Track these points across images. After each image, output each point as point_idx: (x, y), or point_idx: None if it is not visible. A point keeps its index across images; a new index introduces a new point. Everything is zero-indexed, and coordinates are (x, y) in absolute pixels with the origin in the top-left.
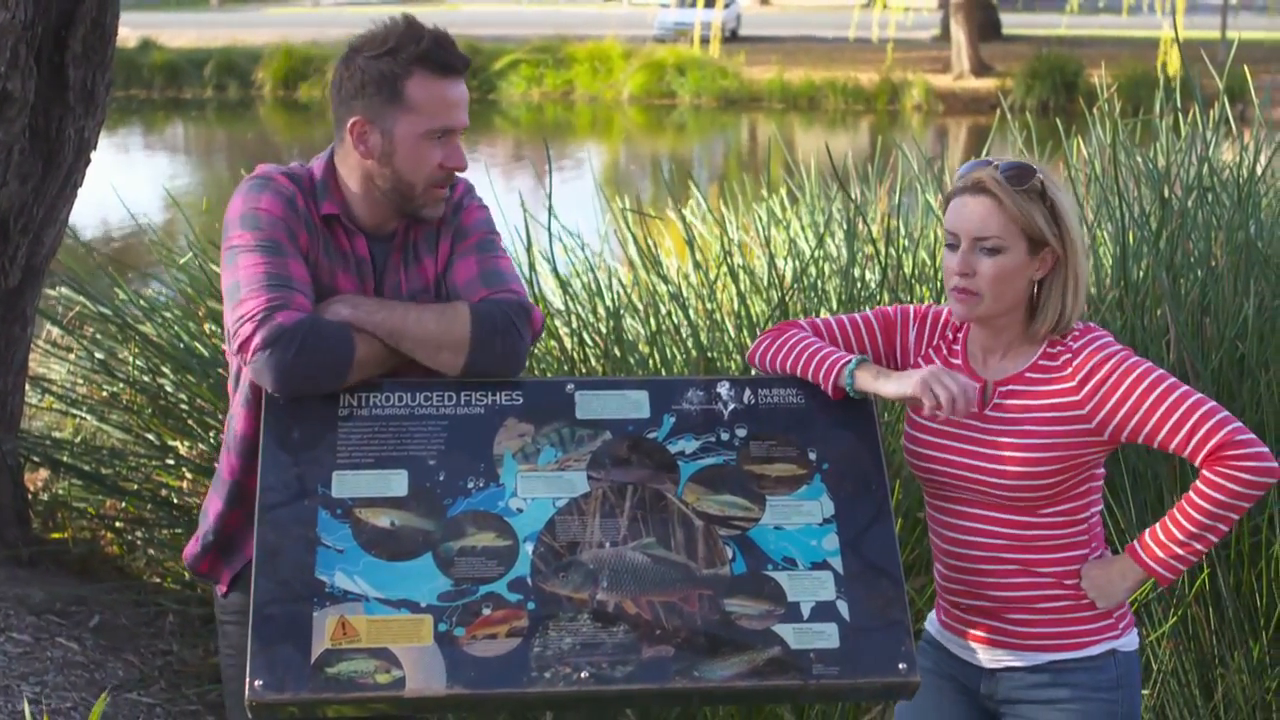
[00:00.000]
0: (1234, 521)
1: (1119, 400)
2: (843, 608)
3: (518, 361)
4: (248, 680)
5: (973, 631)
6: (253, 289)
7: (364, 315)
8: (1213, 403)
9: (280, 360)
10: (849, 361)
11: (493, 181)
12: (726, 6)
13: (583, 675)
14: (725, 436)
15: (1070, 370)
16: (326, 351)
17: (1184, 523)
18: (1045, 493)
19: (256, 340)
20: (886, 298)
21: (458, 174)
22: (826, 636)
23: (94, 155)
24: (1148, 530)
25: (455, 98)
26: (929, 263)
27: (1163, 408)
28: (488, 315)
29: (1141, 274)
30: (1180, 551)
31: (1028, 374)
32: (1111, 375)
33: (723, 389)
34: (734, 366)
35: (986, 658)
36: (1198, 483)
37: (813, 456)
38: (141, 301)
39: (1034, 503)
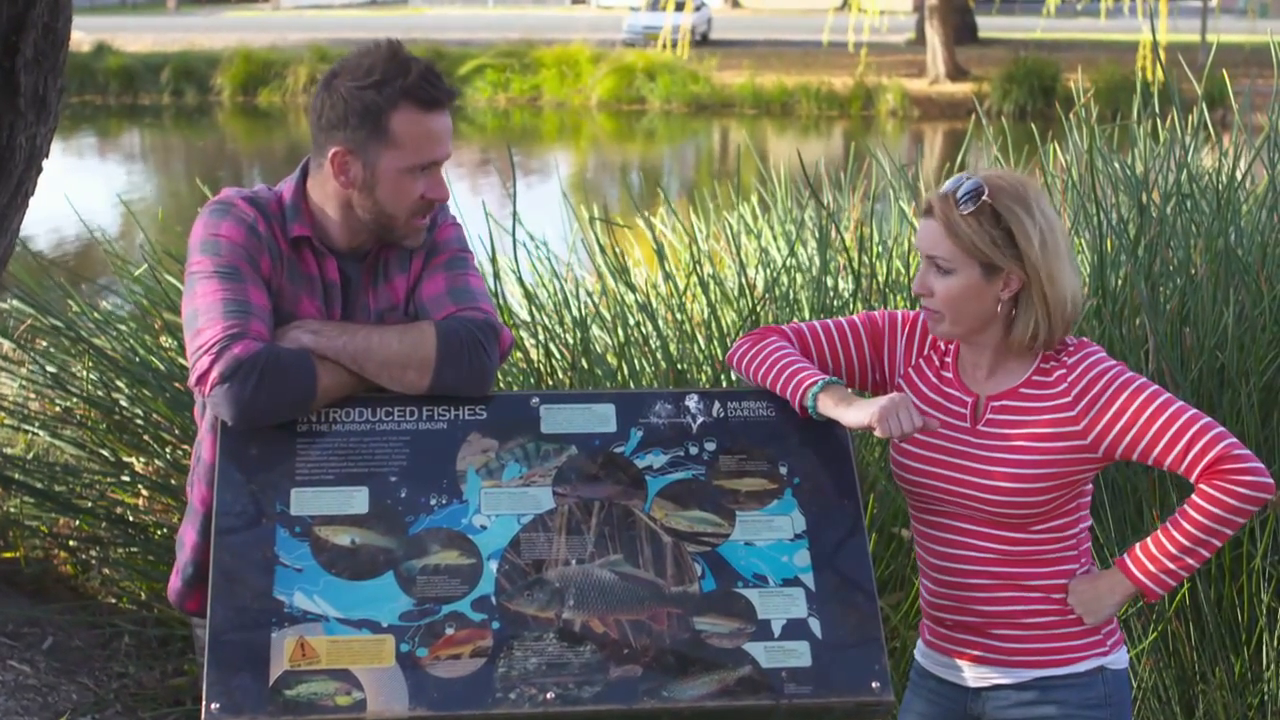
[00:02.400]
0: (1227, 537)
1: (1114, 416)
2: (815, 625)
3: (485, 381)
4: (204, 703)
5: (959, 649)
6: (210, 317)
7: (325, 341)
8: (1208, 418)
9: (239, 395)
10: (814, 383)
11: (454, 192)
12: (697, 9)
13: (549, 696)
14: (694, 451)
15: (1065, 386)
16: (286, 383)
17: (1177, 537)
18: (1038, 509)
19: (214, 375)
20: (860, 307)
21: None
22: (798, 655)
23: (46, 163)
24: (1138, 544)
25: (439, 131)
26: (904, 271)
27: (1158, 423)
28: (454, 333)
29: (1119, 283)
30: (1171, 566)
31: (1021, 390)
32: (1106, 391)
33: (691, 402)
34: (704, 379)
35: (973, 675)
36: (1193, 497)
37: (784, 471)
38: (95, 314)
39: (1026, 519)
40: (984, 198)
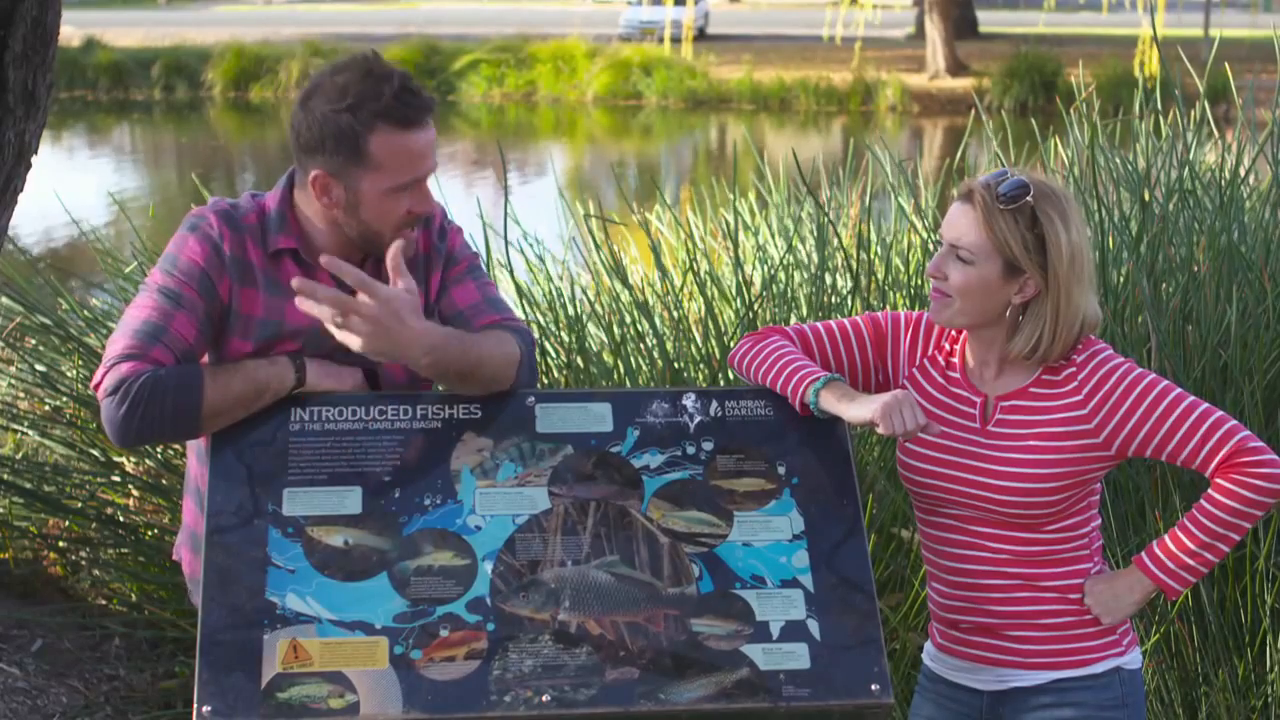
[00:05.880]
0: (1245, 530)
1: (1127, 413)
2: (813, 627)
3: (535, 381)
4: (195, 705)
5: (974, 652)
6: (123, 331)
7: (455, 347)
8: (1221, 412)
9: (112, 413)
10: (816, 379)
11: (449, 188)
12: (695, 3)
13: (544, 699)
14: (691, 450)
15: (1076, 384)
16: (163, 407)
17: (1196, 532)
18: (1050, 509)
19: (100, 389)
20: (858, 305)
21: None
22: (797, 657)
23: (35, 159)
24: (1155, 542)
25: (420, 148)
26: (903, 269)
27: (1171, 419)
28: (524, 341)
29: (1121, 280)
30: (1191, 562)
31: (1030, 389)
32: (1118, 388)
33: (688, 401)
34: (701, 378)
35: (988, 678)
36: (1210, 492)
37: (782, 471)
38: (85, 312)
39: (1038, 519)
40: (1027, 198)
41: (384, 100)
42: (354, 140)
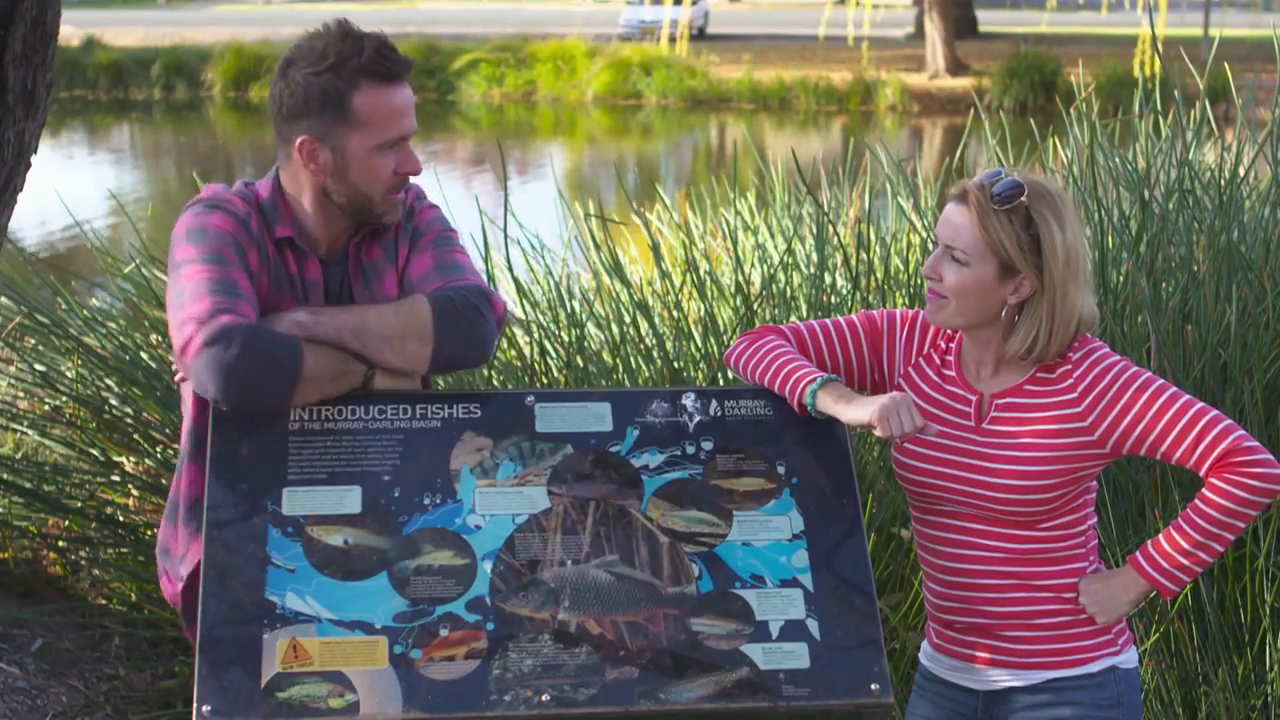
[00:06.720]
0: (1240, 530)
1: (1121, 411)
2: (813, 626)
3: (485, 346)
4: (195, 705)
5: (969, 651)
6: (198, 294)
7: (326, 319)
8: (1216, 411)
9: (221, 359)
10: (814, 380)
11: (448, 188)
12: (694, 3)
13: (544, 698)
14: (691, 450)
15: (1071, 382)
16: (270, 357)
17: (1190, 531)
18: (1045, 507)
19: (198, 340)
20: (858, 304)
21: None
22: (796, 656)
23: (35, 159)
24: (1150, 542)
25: (402, 104)
26: (902, 269)
27: (1165, 418)
28: (448, 300)
29: (1121, 279)
30: (1185, 562)
31: (1025, 386)
32: (1113, 386)
33: (688, 400)
34: (700, 377)
35: (984, 679)
36: (1204, 491)
37: (781, 470)
38: (85, 312)
39: (1033, 517)
40: (1021, 198)
41: (365, 57)
42: (338, 99)
